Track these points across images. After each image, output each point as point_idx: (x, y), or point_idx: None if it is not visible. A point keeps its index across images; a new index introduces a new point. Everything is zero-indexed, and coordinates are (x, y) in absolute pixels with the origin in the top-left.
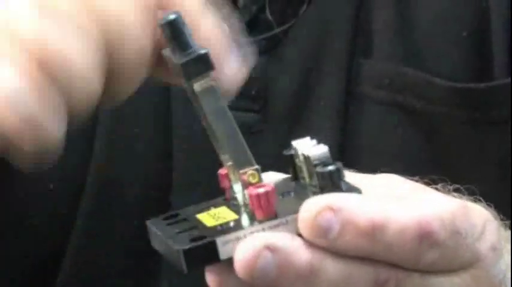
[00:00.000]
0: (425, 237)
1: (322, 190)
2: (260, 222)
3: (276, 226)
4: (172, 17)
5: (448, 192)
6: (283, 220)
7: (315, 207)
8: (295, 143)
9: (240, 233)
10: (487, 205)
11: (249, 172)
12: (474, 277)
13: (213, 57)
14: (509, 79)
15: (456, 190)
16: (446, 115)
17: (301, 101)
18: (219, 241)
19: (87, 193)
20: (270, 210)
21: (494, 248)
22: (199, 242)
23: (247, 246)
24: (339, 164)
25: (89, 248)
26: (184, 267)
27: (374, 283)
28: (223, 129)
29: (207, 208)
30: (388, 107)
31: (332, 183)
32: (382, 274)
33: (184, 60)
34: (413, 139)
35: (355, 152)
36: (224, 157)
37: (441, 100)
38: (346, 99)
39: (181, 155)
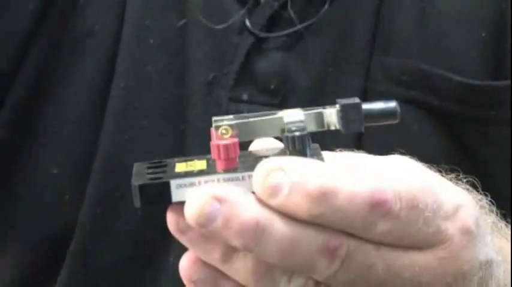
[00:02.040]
0: (377, 205)
1: (288, 154)
2: (218, 173)
3: (231, 179)
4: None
5: (462, 183)
6: (239, 175)
7: (267, 167)
8: (285, 111)
9: (194, 179)
10: (485, 195)
11: (222, 127)
12: (439, 257)
13: None
14: None
15: (468, 182)
16: (463, 113)
17: (320, 96)
18: (173, 183)
19: (93, 181)
20: (230, 163)
21: (466, 231)
22: (155, 181)
23: (196, 192)
24: (305, 132)
25: (94, 238)
26: (138, 203)
27: (323, 248)
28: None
29: (191, 159)
30: (405, 104)
31: (294, 148)
32: (332, 240)
33: None
34: (430, 136)
35: (372, 149)
36: None
37: (458, 98)
38: (364, 95)
39: (196, 149)
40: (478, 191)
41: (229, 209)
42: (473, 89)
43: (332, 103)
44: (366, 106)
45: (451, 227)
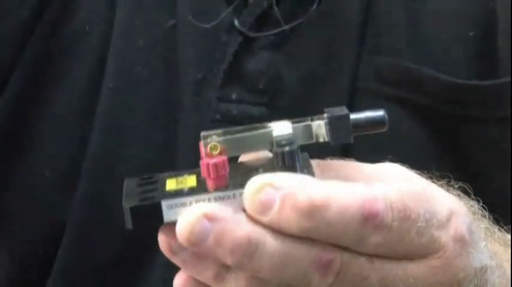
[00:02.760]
0: (369, 218)
1: (278, 168)
2: (208, 192)
3: (222, 198)
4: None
5: (453, 190)
6: (230, 193)
7: (257, 184)
8: (274, 124)
9: (185, 199)
10: (477, 200)
11: (211, 144)
12: (433, 267)
13: None
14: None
15: (460, 188)
16: (451, 112)
17: (308, 96)
18: (164, 203)
19: (83, 181)
20: (220, 181)
21: (460, 239)
22: (145, 202)
23: (187, 212)
24: (295, 146)
25: (84, 236)
26: (129, 224)
27: (317, 263)
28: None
29: (181, 175)
30: (393, 103)
31: (283, 163)
32: (326, 254)
33: None
34: (418, 135)
35: (361, 148)
36: None
37: (446, 97)
38: (352, 95)
39: (187, 149)
40: (470, 197)
41: (221, 227)
42: (461, 88)
43: (321, 103)
44: (353, 116)
45: (444, 236)
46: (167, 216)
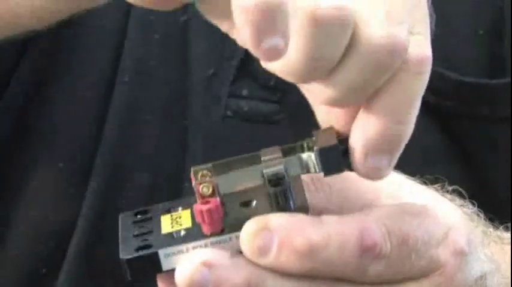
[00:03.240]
0: (367, 250)
1: (271, 206)
2: (205, 237)
3: (219, 242)
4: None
5: (446, 193)
6: (226, 237)
7: (253, 228)
8: (264, 155)
9: (182, 247)
10: (471, 203)
11: (204, 183)
12: (435, 284)
13: None
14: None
15: (455, 191)
16: (460, 110)
17: None
18: (162, 253)
19: (96, 175)
20: (215, 225)
21: (459, 253)
22: (143, 253)
23: (185, 261)
24: (286, 185)
25: (96, 231)
26: (128, 275)
27: None
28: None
29: (175, 209)
30: None
31: (277, 202)
32: None
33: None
34: (426, 133)
35: None
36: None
37: (455, 95)
38: None
39: (198, 145)
40: (464, 199)
41: (219, 273)
42: (470, 86)
43: None
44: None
45: (443, 253)
46: (165, 264)
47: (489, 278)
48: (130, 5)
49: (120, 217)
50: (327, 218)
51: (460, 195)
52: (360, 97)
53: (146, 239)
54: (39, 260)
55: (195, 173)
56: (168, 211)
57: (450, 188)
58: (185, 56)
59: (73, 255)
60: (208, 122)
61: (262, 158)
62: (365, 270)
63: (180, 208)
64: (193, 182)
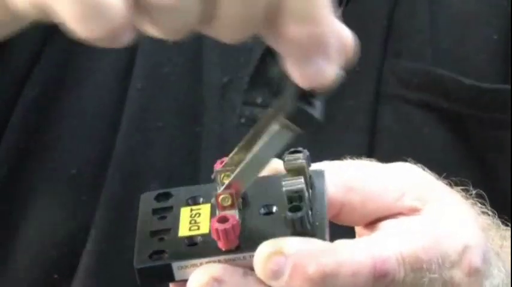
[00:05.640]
0: (380, 277)
1: (289, 228)
2: (219, 253)
3: (233, 260)
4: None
5: (469, 197)
6: (240, 255)
7: (267, 251)
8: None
9: (196, 261)
10: (492, 211)
11: (223, 195)
12: None
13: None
14: None
15: (478, 196)
16: (474, 116)
17: (332, 99)
18: (175, 265)
19: (108, 183)
20: (230, 242)
21: (474, 272)
22: (156, 263)
23: (197, 276)
24: (304, 212)
25: (110, 238)
26: (140, 282)
27: None
28: (259, 158)
29: (196, 200)
30: (415, 107)
31: (294, 228)
32: None
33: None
34: (441, 139)
35: (384, 152)
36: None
37: (469, 101)
38: (376, 98)
39: (211, 153)
40: (485, 204)
41: None
42: (484, 92)
43: (345, 107)
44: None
45: (457, 275)
46: (178, 275)
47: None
48: None
49: (141, 198)
50: (341, 245)
51: (482, 198)
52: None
53: (162, 239)
54: (51, 266)
55: (218, 174)
56: (189, 202)
57: (474, 191)
58: (199, 64)
59: (87, 263)
60: (222, 129)
61: (284, 165)
62: None
63: (201, 199)
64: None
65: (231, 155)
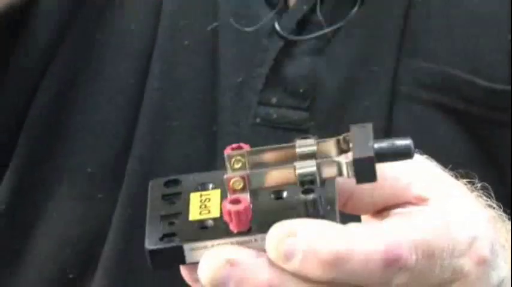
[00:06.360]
0: (392, 262)
1: (301, 210)
2: (231, 235)
3: (244, 242)
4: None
5: (475, 190)
6: (252, 238)
7: (280, 232)
8: (299, 142)
9: (207, 243)
10: (497, 204)
11: (235, 178)
12: None
13: None
14: None
15: (483, 188)
16: (488, 117)
17: (348, 100)
18: (186, 247)
19: (126, 181)
20: (243, 225)
21: (483, 262)
22: (167, 245)
23: (209, 257)
24: (317, 195)
25: (128, 237)
26: (150, 264)
27: None
28: None
29: (206, 186)
30: (431, 107)
31: (306, 210)
32: None
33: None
34: (455, 139)
35: None
36: None
37: (483, 102)
38: (391, 99)
39: None
40: (490, 196)
41: (242, 273)
42: (499, 93)
43: (361, 107)
44: (379, 145)
45: (467, 264)
46: (189, 257)
47: (506, 283)
48: (160, 10)
49: (150, 185)
50: (354, 228)
51: (487, 191)
52: None
53: (172, 223)
54: (67, 264)
55: (229, 158)
56: (198, 188)
57: (479, 184)
58: (214, 63)
59: (106, 261)
60: (237, 129)
61: (297, 150)
62: (388, 281)
63: (210, 185)
64: (227, 169)
65: (248, 149)
